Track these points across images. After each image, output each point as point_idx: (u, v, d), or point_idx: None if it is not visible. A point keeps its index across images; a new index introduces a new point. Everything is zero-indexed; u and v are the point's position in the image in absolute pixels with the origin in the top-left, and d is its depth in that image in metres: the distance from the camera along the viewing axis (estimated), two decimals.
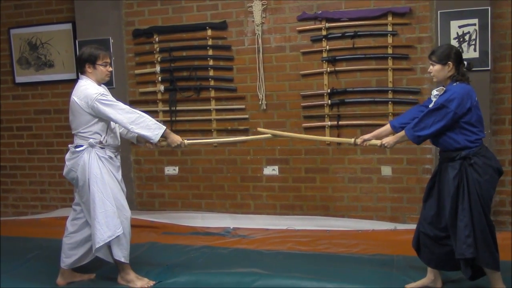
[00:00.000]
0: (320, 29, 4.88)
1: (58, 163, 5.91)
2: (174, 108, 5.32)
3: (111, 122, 3.67)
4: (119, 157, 3.83)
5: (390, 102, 4.75)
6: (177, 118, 5.36)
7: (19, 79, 5.94)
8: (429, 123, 3.13)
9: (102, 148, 3.64)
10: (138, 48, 5.47)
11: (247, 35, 5.12)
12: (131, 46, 5.50)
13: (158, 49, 5.36)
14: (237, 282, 3.70)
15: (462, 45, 4.38)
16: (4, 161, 6.12)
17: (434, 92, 3.30)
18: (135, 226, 5.20)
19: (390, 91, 4.75)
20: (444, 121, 3.09)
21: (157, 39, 5.35)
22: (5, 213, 6.14)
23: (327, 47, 4.86)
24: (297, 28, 4.93)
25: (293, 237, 4.79)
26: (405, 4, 4.65)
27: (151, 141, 3.62)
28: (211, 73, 5.25)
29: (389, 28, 4.70)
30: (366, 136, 3.56)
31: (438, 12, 4.43)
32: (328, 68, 4.87)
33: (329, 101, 4.86)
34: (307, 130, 5.02)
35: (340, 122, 4.87)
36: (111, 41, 5.36)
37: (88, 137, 3.61)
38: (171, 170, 5.50)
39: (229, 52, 5.17)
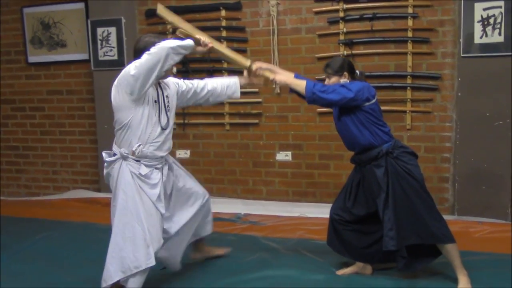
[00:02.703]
0: (337, 11, 4.70)
1: (69, 144, 5.88)
2: None
3: (149, 125, 3.00)
4: (163, 169, 3.16)
5: (409, 88, 4.57)
6: None
7: (31, 58, 5.87)
8: (329, 90, 3.13)
9: (136, 161, 3.02)
10: (150, 29, 5.34)
11: (262, 16, 4.96)
12: (144, 26, 5.38)
13: (171, 30, 5.23)
14: (244, 270, 3.61)
15: (486, 29, 4.18)
16: (17, 141, 6.09)
17: None
18: None
19: (409, 76, 4.56)
20: (341, 97, 3.10)
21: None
22: (17, 193, 6.13)
23: (344, 29, 4.68)
24: (314, 9, 4.76)
25: (304, 224, 4.66)
26: None
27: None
28: None
29: (410, 10, 4.50)
30: (264, 65, 3.44)
31: None
32: (345, 52, 4.70)
33: None
34: (322, 115, 4.87)
35: None
36: (123, 21, 5.25)
37: (121, 145, 3.04)
38: (182, 154, 5.41)
39: (243, 33, 5.03)
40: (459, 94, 4.37)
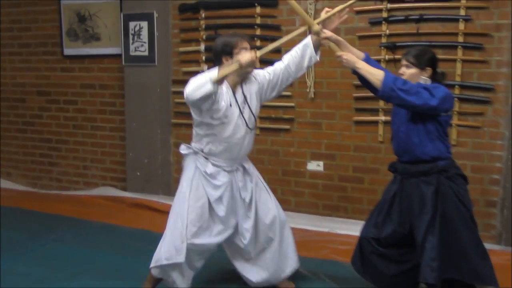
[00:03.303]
0: (380, 11, 4.27)
1: (100, 140, 5.76)
2: None
3: (220, 126, 2.92)
4: (236, 174, 3.08)
5: (456, 99, 4.08)
6: None
7: (67, 51, 5.78)
8: (412, 91, 2.64)
9: (205, 158, 3.02)
10: (183, 24, 5.11)
11: (299, 15, 4.60)
12: (177, 21, 5.15)
13: (204, 26, 4.98)
14: None
15: None
16: (50, 134, 6.04)
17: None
18: (165, 212, 4.99)
19: (457, 86, 4.08)
20: (422, 103, 2.64)
21: (203, 15, 4.95)
22: (49, 186, 6.09)
23: (387, 31, 4.25)
24: (355, 9, 4.35)
25: (332, 242, 4.29)
26: None
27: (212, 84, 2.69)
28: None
29: (462, 12, 4.01)
30: (333, 36, 2.95)
31: None
32: (387, 56, 4.26)
33: None
34: (358, 124, 4.47)
35: None
36: (156, 15, 5.04)
37: (194, 140, 3.07)
38: None
39: (279, 32, 4.68)
40: None
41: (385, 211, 2.99)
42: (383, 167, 4.44)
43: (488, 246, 3.02)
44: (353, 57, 2.85)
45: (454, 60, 4.05)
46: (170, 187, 5.33)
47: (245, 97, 3.01)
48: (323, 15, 3.00)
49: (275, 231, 3.20)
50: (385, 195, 3.05)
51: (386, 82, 2.67)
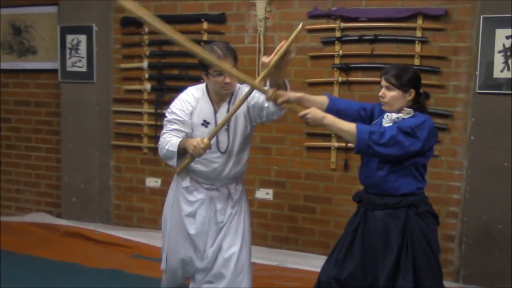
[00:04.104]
0: (333, 30, 4.01)
1: (35, 162, 5.31)
2: (160, 110, 4.55)
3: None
4: (218, 194, 2.85)
5: None
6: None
7: (1, 65, 5.32)
8: (390, 143, 2.35)
9: (186, 172, 2.85)
10: (126, 39, 4.75)
11: (248, 32, 4.31)
12: (119, 36, 4.78)
13: (147, 42, 4.62)
14: None
15: (509, 61, 3.44)
16: None
17: (392, 115, 2.48)
18: (106, 243, 4.58)
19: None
20: (404, 152, 2.36)
21: (146, 29, 4.60)
22: None
23: (340, 51, 3.99)
24: (307, 27, 4.07)
25: (281, 278, 3.95)
26: (440, 5, 3.73)
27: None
28: None
29: (418, 34, 3.79)
30: (292, 95, 2.51)
31: (481, 17, 3.50)
32: (340, 78, 4.00)
33: None
34: (310, 150, 4.17)
35: (349, 144, 3.98)
36: (95, 28, 4.66)
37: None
38: (152, 182, 4.76)
39: None
40: (472, 137, 3.63)
41: (346, 247, 2.65)
42: (335, 196, 4.16)
43: (445, 283, 2.72)
44: (317, 112, 2.47)
45: None
46: (109, 215, 4.92)
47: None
48: (264, 70, 2.45)
49: (228, 269, 2.83)
50: (347, 228, 2.72)
51: (360, 137, 2.36)
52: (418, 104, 2.52)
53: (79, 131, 4.83)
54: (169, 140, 2.69)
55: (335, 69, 4.02)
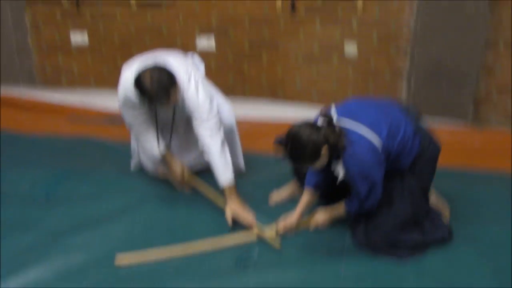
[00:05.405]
0: None
1: None
2: None
3: None
4: None
5: None
6: None
7: None
8: (371, 200, 2.29)
9: None
10: None
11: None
12: None
13: None
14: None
15: None
16: None
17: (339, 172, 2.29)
18: (35, 109, 4.21)
19: None
20: (369, 187, 2.25)
21: None
22: None
23: None
24: None
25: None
26: None
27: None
28: None
29: None
30: (294, 221, 2.47)
31: None
32: None
33: None
34: None
35: None
36: None
37: None
38: (78, 37, 4.30)
39: None
40: None
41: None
42: (282, 40, 4.00)
43: None
44: (322, 218, 2.43)
45: None
46: (33, 76, 4.48)
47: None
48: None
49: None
50: None
51: (351, 211, 2.38)
52: (334, 152, 2.21)
53: None
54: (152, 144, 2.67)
55: None
